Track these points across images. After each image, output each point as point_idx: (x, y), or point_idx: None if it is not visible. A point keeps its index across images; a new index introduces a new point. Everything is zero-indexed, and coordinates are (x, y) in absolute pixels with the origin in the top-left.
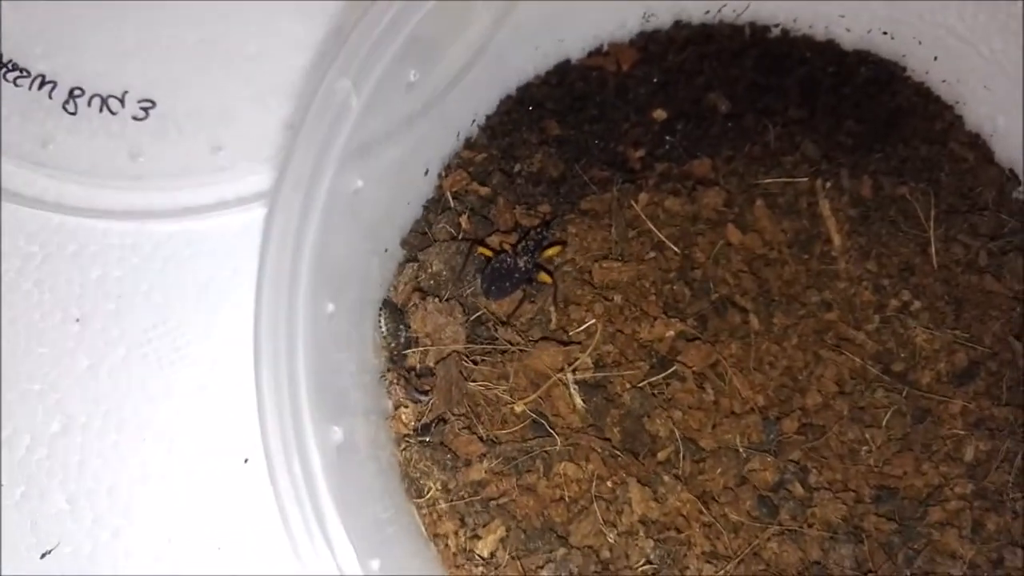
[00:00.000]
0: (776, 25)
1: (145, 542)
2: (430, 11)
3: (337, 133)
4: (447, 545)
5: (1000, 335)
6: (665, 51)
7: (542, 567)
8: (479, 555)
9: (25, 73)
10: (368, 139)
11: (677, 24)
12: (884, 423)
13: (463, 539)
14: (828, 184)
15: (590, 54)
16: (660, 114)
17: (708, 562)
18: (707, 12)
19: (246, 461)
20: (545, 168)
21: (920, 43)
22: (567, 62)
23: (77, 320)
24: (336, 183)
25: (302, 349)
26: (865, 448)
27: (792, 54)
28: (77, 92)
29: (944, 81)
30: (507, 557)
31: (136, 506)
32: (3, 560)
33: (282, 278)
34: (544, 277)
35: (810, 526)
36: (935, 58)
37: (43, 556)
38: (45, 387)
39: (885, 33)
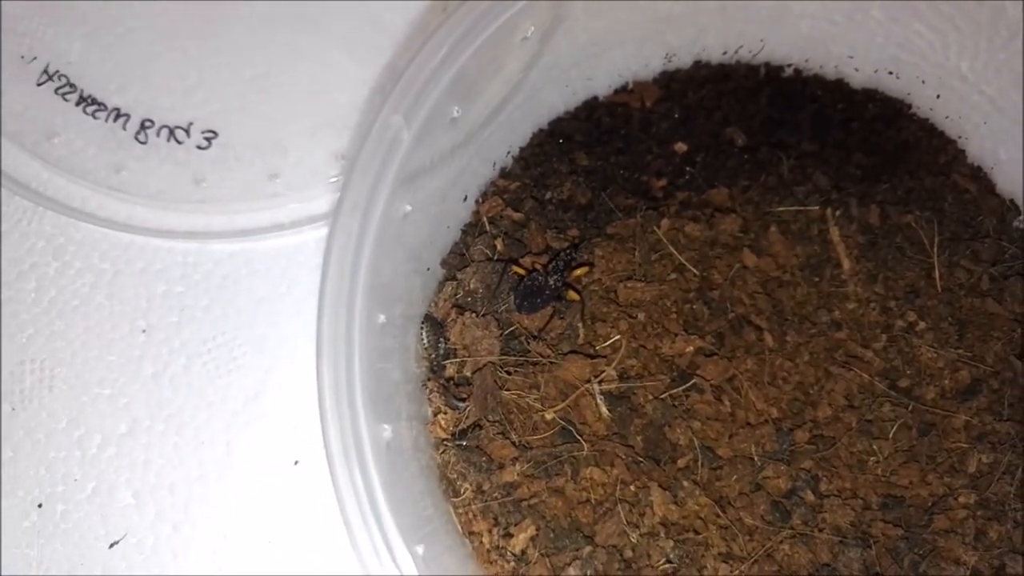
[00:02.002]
0: (789, 65)
1: (203, 536)
2: (472, 54)
3: (390, 163)
4: (481, 542)
5: (1002, 355)
6: (686, 89)
7: (569, 564)
8: (511, 552)
9: (102, 107)
10: (415, 169)
11: (697, 64)
12: (891, 435)
13: (496, 537)
14: (838, 212)
15: (616, 91)
16: (681, 147)
17: (724, 562)
18: (724, 53)
19: (296, 463)
20: (574, 196)
21: (924, 82)
22: (595, 99)
23: (143, 331)
24: (388, 208)
25: (358, 355)
26: (873, 459)
27: (804, 92)
28: (148, 124)
29: (947, 117)
30: (537, 554)
31: (194, 503)
32: (76, 549)
33: (342, 292)
34: (572, 295)
35: (820, 531)
36: (938, 96)
37: (111, 546)
38: (114, 392)
39: (891, 73)
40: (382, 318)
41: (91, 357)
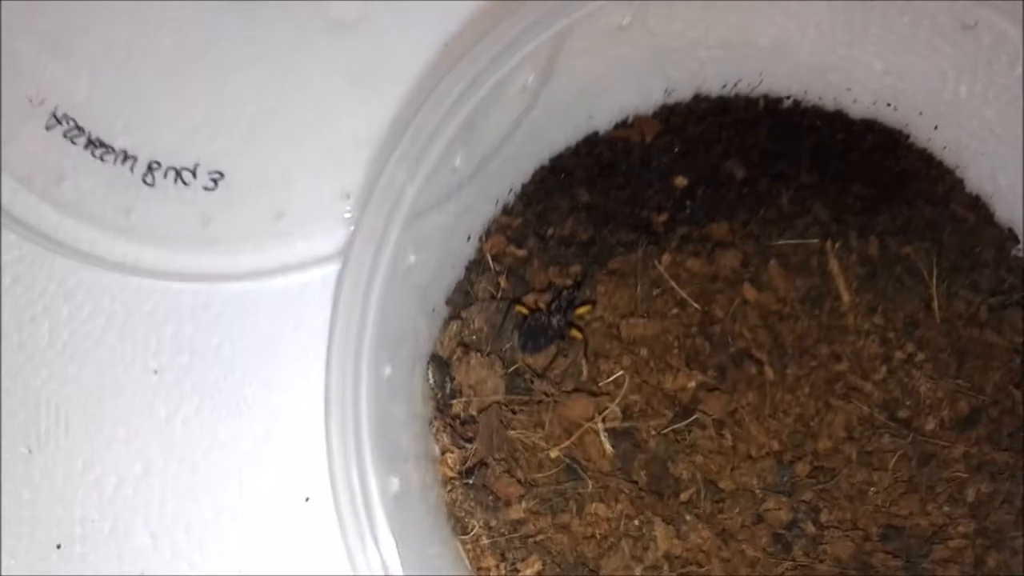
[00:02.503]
0: (788, 97)
1: (219, 574)
2: (475, 106)
3: (395, 217)
4: None
5: (1000, 384)
6: (685, 122)
7: None
8: None
9: (109, 149)
10: (419, 212)
11: (696, 97)
12: (890, 466)
13: (504, 572)
14: (837, 244)
15: (616, 126)
16: (681, 181)
17: None
18: (724, 86)
19: (307, 500)
20: (576, 232)
21: (921, 114)
22: (596, 134)
23: (155, 372)
24: (393, 260)
25: (365, 413)
26: (873, 489)
27: (803, 123)
28: (154, 166)
29: (945, 147)
30: None
31: (209, 542)
32: None
33: (348, 351)
34: (576, 334)
35: (821, 562)
36: (935, 127)
37: None
38: (129, 433)
39: (889, 104)
40: (388, 369)
41: (105, 399)
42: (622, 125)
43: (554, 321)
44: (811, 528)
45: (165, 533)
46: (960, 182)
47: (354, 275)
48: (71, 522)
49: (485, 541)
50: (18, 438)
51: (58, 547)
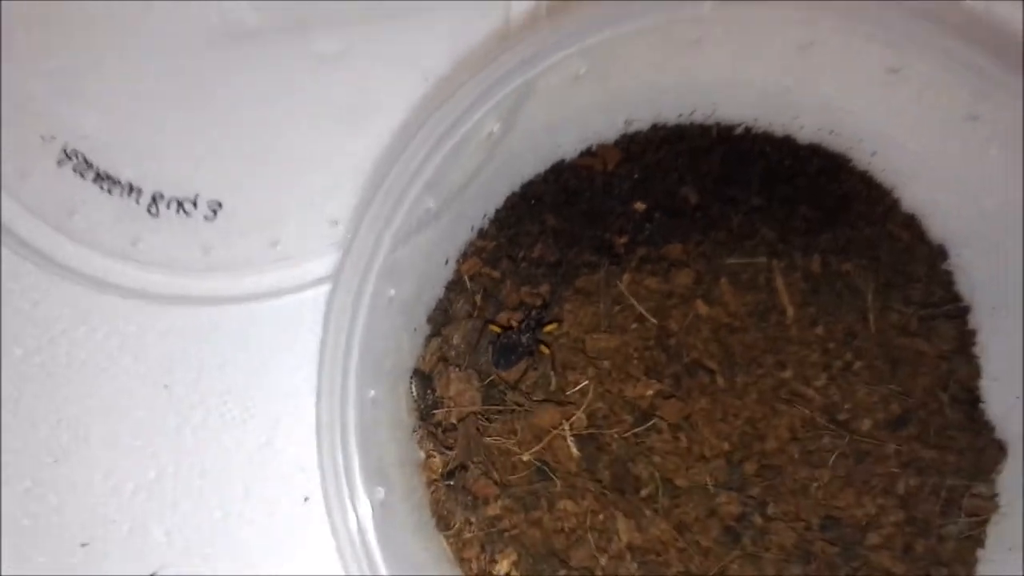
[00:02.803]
0: (740, 124)
1: (229, 568)
2: (446, 154)
3: (377, 252)
4: (471, 567)
5: (929, 388)
6: (644, 150)
7: None
8: (496, 575)
9: (116, 183)
10: (400, 243)
11: (655, 126)
12: (830, 464)
13: (483, 562)
14: (783, 263)
15: (581, 155)
16: (640, 206)
17: None
18: (680, 115)
19: (306, 499)
20: (544, 254)
21: (861, 140)
22: (562, 162)
23: (165, 387)
24: (377, 289)
25: (353, 435)
26: (814, 484)
27: (754, 149)
28: (158, 197)
29: (883, 170)
30: None
31: (219, 538)
32: None
33: (336, 379)
34: (544, 349)
35: (767, 550)
36: (873, 153)
37: None
38: (143, 442)
39: (831, 132)
40: (372, 392)
41: (121, 413)
42: (587, 153)
43: (524, 339)
44: (758, 520)
45: (178, 531)
46: (897, 202)
47: (341, 305)
48: (94, 523)
49: (466, 535)
50: (44, 449)
51: (83, 545)
